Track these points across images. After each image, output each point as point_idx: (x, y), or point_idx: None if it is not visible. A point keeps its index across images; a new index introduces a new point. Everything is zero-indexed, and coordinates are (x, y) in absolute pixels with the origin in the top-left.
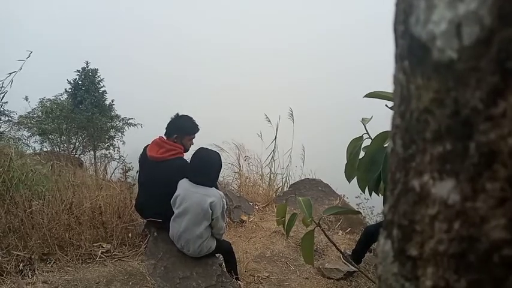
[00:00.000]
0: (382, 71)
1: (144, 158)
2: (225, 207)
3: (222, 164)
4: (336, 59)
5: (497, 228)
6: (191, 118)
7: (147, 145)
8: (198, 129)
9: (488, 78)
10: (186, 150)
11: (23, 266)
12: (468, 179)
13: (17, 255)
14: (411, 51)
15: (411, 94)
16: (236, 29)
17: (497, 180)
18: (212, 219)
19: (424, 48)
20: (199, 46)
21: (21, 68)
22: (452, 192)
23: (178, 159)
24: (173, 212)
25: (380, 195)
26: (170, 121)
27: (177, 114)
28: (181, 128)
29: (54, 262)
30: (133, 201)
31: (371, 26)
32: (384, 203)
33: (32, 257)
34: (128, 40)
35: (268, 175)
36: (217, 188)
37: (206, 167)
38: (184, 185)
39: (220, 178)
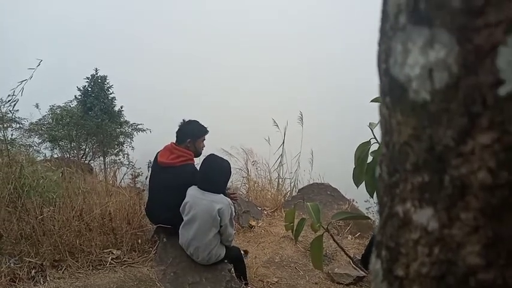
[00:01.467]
0: None
1: (155, 164)
2: (233, 214)
3: (231, 170)
4: (346, 69)
5: (472, 254)
6: (198, 121)
7: (159, 151)
8: (208, 131)
9: (457, 119)
10: (199, 154)
11: (35, 272)
12: (444, 208)
13: (29, 261)
14: (391, 89)
15: (393, 128)
16: (249, 43)
17: (470, 210)
18: (221, 226)
19: (402, 88)
20: (209, 54)
21: (31, 76)
22: (431, 219)
23: (188, 166)
24: (182, 218)
25: None
26: (179, 128)
27: (184, 120)
28: (193, 132)
29: (65, 268)
30: (143, 207)
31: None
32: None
33: (44, 263)
34: (138, 47)
35: (277, 180)
36: (225, 195)
37: (215, 174)
38: (192, 192)
39: (228, 183)
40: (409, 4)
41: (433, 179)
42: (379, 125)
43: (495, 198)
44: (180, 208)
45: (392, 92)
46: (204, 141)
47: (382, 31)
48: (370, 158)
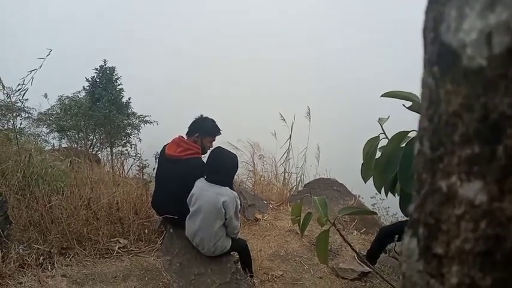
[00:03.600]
0: (399, 77)
1: (162, 156)
2: (239, 207)
3: (238, 164)
4: (354, 65)
5: None
6: (214, 121)
7: (167, 143)
8: (220, 133)
9: None
10: (205, 152)
11: (43, 259)
12: (495, 180)
13: (37, 248)
14: (441, 57)
15: (440, 98)
16: (257, 36)
17: None
18: (226, 219)
19: (454, 55)
20: (216, 51)
21: (41, 66)
22: (480, 193)
23: (195, 159)
24: (188, 210)
25: (396, 195)
26: (193, 121)
27: (201, 115)
28: (204, 128)
29: (72, 256)
30: (150, 198)
31: (388, 37)
32: (400, 203)
33: (52, 250)
34: (146, 40)
35: (283, 174)
36: (232, 188)
37: (222, 167)
38: (200, 184)
39: (235, 177)
40: None
41: (484, 150)
42: (388, 120)
43: None
44: (187, 199)
45: (442, 60)
46: (213, 142)
47: None
48: (378, 154)
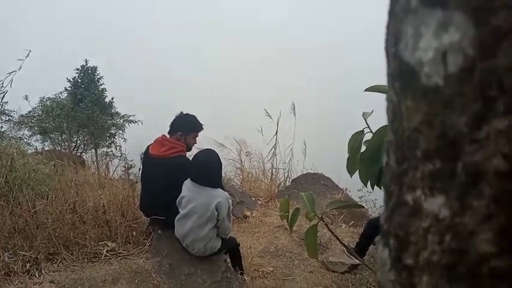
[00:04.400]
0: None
1: (146, 157)
2: (231, 207)
3: (223, 160)
4: (338, 58)
5: (484, 242)
6: (195, 117)
7: (150, 144)
8: (203, 128)
9: (472, 104)
10: (189, 149)
11: (30, 266)
12: (456, 196)
13: (23, 255)
14: (401, 74)
15: (402, 114)
16: (241, 32)
17: (483, 198)
18: (218, 220)
19: (413, 72)
20: (199, 46)
21: (20, 68)
22: (443, 207)
23: (180, 158)
24: (177, 210)
25: (382, 188)
26: (174, 119)
27: (181, 112)
28: (186, 125)
29: (60, 262)
30: (136, 199)
31: (373, 29)
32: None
33: (38, 257)
34: (127, 38)
35: (270, 170)
36: (222, 188)
37: (208, 171)
38: (189, 186)
39: (222, 175)
40: None
41: (445, 167)
42: (372, 114)
43: (510, 185)
44: (177, 201)
45: (403, 77)
46: (197, 138)
47: (392, 14)
48: (363, 148)
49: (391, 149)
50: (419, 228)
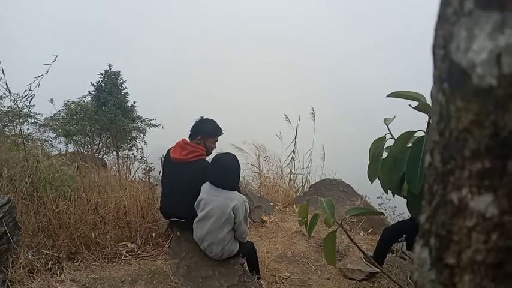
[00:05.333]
0: (405, 77)
1: (167, 160)
2: (248, 211)
3: (241, 165)
4: (360, 64)
5: None
6: (215, 122)
7: (171, 147)
8: (222, 133)
9: None
10: (209, 153)
11: (52, 264)
12: (506, 194)
13: (46, 253)
14: (451, 75)
15: (451, 114)
16: (262, 40)
17: None
18: (235, 223)
19: (464, 73)
20: (222, 52)
21: (47, 72)
22: (490, 206)
23: (200, 161)
24: (196, 213)
25: (403, 196)
26: (195, 123)
27: (202, 117)
28: (206, 130)
29: (81, 261)
30: (156, 201)
31: (393, 41)
32: (408, 203)
33: (60, 255)
34: (147, 47)
35: (288, 175)
36: (239, 191)
37: (226, 174)
38: (207, 189)
39: (240, 179)
40: None
41: (495, 165)
42: (393, 120)
43: None
44: (195, 204)
45: (452, 78)
46: (216, 143)
47: (442, 16)
48: (384, 154)
49: (436, 149)
50: (464, 227)
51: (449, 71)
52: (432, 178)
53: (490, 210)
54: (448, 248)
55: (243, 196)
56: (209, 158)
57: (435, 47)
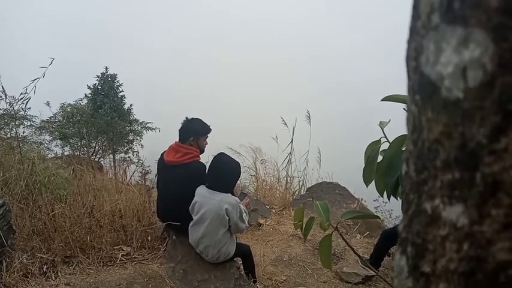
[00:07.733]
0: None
1: (161, 163)
2: (243, 211)
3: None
4: (355, 68)
5: (502, 251)
6: (201, 119)
7: (164, 151)
8: (211, 129)
9: (491, 117)
10: (202, 151)
11: (47, 268)
12: (475, 205)
13: (41, 257)
14: (422, 87)
15: (422, 125)
16: (257, 41)
17: (501, 207)
18: (229, 226)
19: (433, 86)
20: (218, 53)
21: (43, 75)
22: (461, 216)
23: (195, 163)
24: (191, 216)
25: (399, 198)
26: (182, 126)
27: (187, 118)
28: (196, 130)
29: (76, 264)
30: (152, 205)
31: (387, 41)
32: (402, 206)
33: (55, 259)
34: (147, 47)
35: (285, 178)
36: (233, 194)
37: (225, 173)
38: (201, 192)
39: (237, 181)
40: (443, 4)
41: (464, 176)
42: (389, 123)
43: None
44: (190, 207)
45: (423, 90)
46: (207, 139)
47: (413, 29)
48: (380, 157)
49: (411, 158)
50: (438, 236)
51: (420, 83)
52: (408, 187)
53: (461, 220)
54: (424, 256)
55: (236, 198)
56: (209, 159)
57: (408, 59)
